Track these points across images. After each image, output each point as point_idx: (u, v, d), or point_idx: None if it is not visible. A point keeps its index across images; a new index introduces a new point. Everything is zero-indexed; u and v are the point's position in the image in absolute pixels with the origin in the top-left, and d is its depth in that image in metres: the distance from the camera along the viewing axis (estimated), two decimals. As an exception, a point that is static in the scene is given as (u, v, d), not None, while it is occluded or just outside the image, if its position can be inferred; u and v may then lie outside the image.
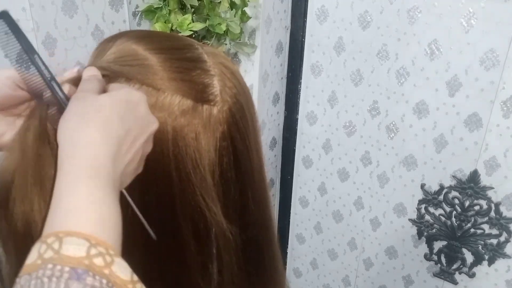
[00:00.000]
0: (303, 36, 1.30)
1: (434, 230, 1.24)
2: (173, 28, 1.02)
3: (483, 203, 1.13)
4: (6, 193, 0.37)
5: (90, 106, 0.35)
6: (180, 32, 1.01)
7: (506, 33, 0.98)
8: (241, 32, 1.12)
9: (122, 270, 0.29)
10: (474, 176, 1.12)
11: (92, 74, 0.40)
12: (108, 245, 0.29)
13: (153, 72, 0.43)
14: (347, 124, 1.31)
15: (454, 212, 1.19)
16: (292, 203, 1.54)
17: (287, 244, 1.61)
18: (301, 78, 1.36)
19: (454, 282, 1.25)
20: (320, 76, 1.32)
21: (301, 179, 1.49)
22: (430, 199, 1.21)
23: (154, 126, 0.40)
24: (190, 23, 1.02)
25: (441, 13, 1.05)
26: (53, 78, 0.38)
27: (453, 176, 1.16)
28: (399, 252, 1.34)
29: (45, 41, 0.81)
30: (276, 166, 1.52)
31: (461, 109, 1.09)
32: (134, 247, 0.37)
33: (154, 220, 0.44)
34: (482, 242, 1.16)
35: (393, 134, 1.22)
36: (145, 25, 1.05)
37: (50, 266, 0.27)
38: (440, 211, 1.21)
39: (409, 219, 1.27)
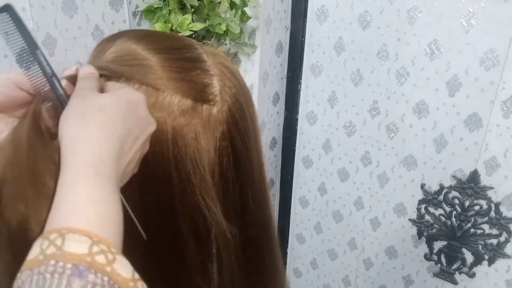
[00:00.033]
0: (303, 36, 1.30)
1: (434, 230, 1.24)
2: (173, 28, 1.02)
3: (483, 203, 1.13)
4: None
5: (92, 105, 0.35)
6: (180, 32, 1.01)
7: (506, 33, 0.98)
8: (241, 32, 1.12)
9: (124, 268, 0.29)
10: (474, 176, 1.12)
11: (89, 72, 0.40)
12: (110, 243, 0.30)
13: (152, 72, 0.43)
14: (347, 124, 1.31)
15: (454, 212, 1.19)
16: (292, 203, 1.54)
17: (287, 244, 1.61)
18: (301, 78, 1.36)
19: (454, 282, 1.25)
20: (320, 76, 1.32)
21: (301, 179, 1.49)
22: (430, 199, 1.21)
23: (152, 127, 0.40)
24: (190, 23, 1.02)
25: (441, 13, 1.05)
26: (54, 75, 0.38)
27: (453, 176, 1.16)
28: (399, 252, 1.34)
29: (45, 41, 0.81)
30: (276, 166, 1.52)
31: (461, 109, 1.09)
32: (134, 247, 0.37)
33: (154, 220, 0.44)
34: (482, 242, 1.16)
35: (393, 134, 1.22)
36: (145, 25, 1.05)
37: (52, 262, 0.27)
38: (440, 211, 1.21)
39: (409, 219, 1.27)
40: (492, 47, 1.00)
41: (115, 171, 0.34)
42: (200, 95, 0.43)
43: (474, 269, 1.21)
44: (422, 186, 1.21)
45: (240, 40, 1.14)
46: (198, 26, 1.02)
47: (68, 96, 0.37)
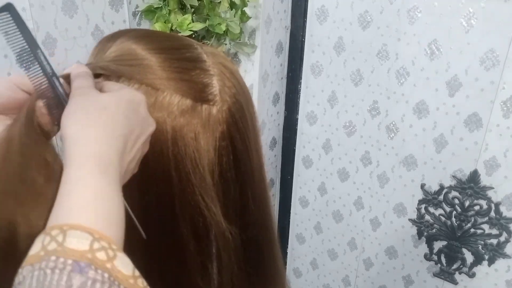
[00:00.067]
0: (303, 36, 1.30)
1: (434, 230, 1.24)
2: (173, 28, 1.02)
3: (483, 203, 1.13)
4: None
5: (95, 104, 0.36)
6: (180, 32, 1.01)
7: (506, 33, 0.98)
8: (241, 32, 1.12)
9: (124, 265, 0.30)
10: (474, 176, 1.12)
11: (82, 70, 0.40)
12: (111, 239, 0.30)
13: (152, 71, 0.43)
14: (347, 124, 1.31)
15: (454, 212, 1.19)
16: (292, 203, 1.54)
17: (287, 244, 1.61)
18: (301, 78, 1.36)
19: (454, 282, 1.25)
20: (320, 76, 1.32)
21: (301, 179, 1.49)
22: (430, 199, 1.21)
23: (152, 127, 0.40)
24: (190, 23, 1.02)
25: (441, 13, 1.05)
26: (54, 74, 0.38)
27: (453, 176, 1.16)
28: (399, 252, 1.34)
29: (45, 41, 0.81)
30: (276, 166, 1.52)
31: (461, 109, 1.09)
32: (134, 247, 0.37)
33: (154, 220, 0.44)
34: (482, 242, 1.16)
35: (393, 134, 1.22)
36: (145, 25, 1.05)
37: (53, 258, 0.27)
38: (440, 211, 1.21)
39: (409, 219, 1.27)
40: (492, 47, 1.00)
41: (118, 169, 0.34)
42: (200, 95, 0.43)
43: (474, 269, 1.21)
44: (422, 186, 1.21)
45: (240, 40, 1.14)
46: (198, 26, 1.02)
47: (68, 95, 0.37)
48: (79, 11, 0.86)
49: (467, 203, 1.16)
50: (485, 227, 1.15)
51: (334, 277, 1.54)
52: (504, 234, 1.12)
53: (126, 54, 0.44)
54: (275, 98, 1.39)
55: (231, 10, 1.08)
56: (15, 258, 0.32)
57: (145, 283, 0.31)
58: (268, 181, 1.50)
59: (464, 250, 1.20)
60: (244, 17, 1.11)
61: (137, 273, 0.30)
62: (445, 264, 1.25)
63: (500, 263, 1.16)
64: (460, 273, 1.24)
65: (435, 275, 1.28)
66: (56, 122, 0.37)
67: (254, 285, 0.52)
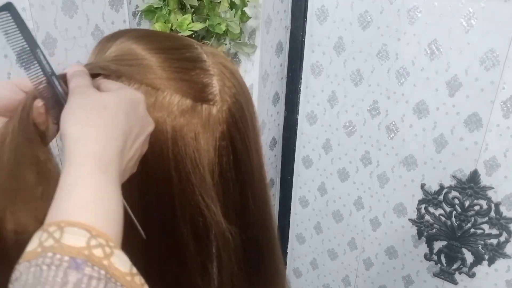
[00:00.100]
0: (303, 36, 1.30)
1: (434, 230, 1.24)
2: (173, 28, 1.02)
3: (483, 203, 1.13)
4: None
5: (95, 103, 0.36)
6: (180, 32, 1.01)
7: (506, 33, 0.98)
8: (241, 32, 1.12)
9: (121, 262, 0.30)
10: (474, 176, 1.12)
11: (79, 69, 0.40)
12: (108, 237, 0.30)
13: (152, 71, 0.43)
14: (347, 124, 1.31)
15: (454, 212, 1.19)
16: (292, 203, 1.54)
17: (287, 244, 1.61)
18: (301, 78, 1.36)
19: (454, 282, 1.25)
20: (320, 76, 1.32)
21: (301, 179, 1.49)
22: (430, 199, 1.21)
23: (151, 127, 0.40)
24: (190, 23, 1.02)
25: (441, 13, 1.05)
26: (53, 73, 0.38)
27: (453, 176, 1.16)
28: (399, 252, 1.34)
29: (45, 41, 0.81)
30: (276, 166, 1.52)
31: (461, 109, 1.09)
32: (134, 247, 0.37)
33: (154, 220, 0.44)
34: (482, 242, 1.16)
35: (393, 134, 1.22)
36: (145, 25, 1.05)
37: (50, 254, 0.28)
38: (440, 211, 1.21)
39: (409, 219, 1.27)
40: (492, 47, 1.00)
41: (118, 167, 0.34)
42: (200, 95, 0.43)
43: (474, 269, 1.21)
44: (422, 186, 1.21)
45: (240, 40, 1.14)
46: (198, 26, 1.02)
47: (67, 95, 0.37)
48: (79, 11, 0.86)
49: (467, 203, 1.16)
50: (485, 227, 1.15)
51: (334, 277, 1.54)
52: (504, 234, 1.12)
53: (126, 54, 0.44)
54: (275, 98, 1.39)
55: (231, 10, 1.08)
56: (1, 253, 0.32)
57: (142, 281, 0.31)
58: (268, 181, 1.50)
59: (464, 250, 1.20)
60: (244, 17, 1.11)
61: (134, 270, 0.30)
62: (445, 264, 1.25)
63: (500, 263, 1.16)
64: (460, 273, 1.24)
65: (435, 275, 1.28)
66: (55, 121, 0.37)
67: (254, 285, 0.52)
